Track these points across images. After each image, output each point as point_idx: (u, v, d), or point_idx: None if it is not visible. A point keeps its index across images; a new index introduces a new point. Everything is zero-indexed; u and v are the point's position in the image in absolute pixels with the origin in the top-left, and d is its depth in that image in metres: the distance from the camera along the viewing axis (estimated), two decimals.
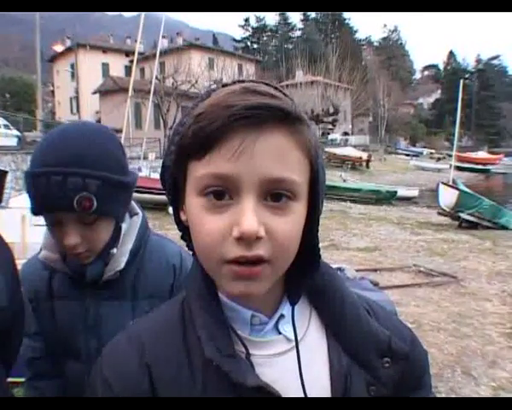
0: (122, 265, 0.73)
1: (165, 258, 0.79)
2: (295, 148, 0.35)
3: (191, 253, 0.41)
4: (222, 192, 0.34)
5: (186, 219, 0.39)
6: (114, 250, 0.74)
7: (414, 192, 14.48)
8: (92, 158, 0.65)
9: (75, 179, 0.63)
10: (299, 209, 0.36)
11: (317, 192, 0.38)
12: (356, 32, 56.94)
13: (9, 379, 0.73)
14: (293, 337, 0.40)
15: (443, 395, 2.53)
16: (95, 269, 0.72)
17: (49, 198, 0.64)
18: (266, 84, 0.36)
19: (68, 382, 0.78)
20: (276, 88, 0.37)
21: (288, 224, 0.35)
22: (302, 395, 0.38)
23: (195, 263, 0.42)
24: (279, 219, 0.35)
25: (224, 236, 0.34)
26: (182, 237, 0.42)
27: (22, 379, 0.83)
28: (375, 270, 4.86)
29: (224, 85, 0.37)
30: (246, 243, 0.33)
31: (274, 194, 0.35)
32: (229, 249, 0.34)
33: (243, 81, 0.37)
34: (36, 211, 0.67)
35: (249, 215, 0.33)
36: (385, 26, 64.82)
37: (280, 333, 0.40)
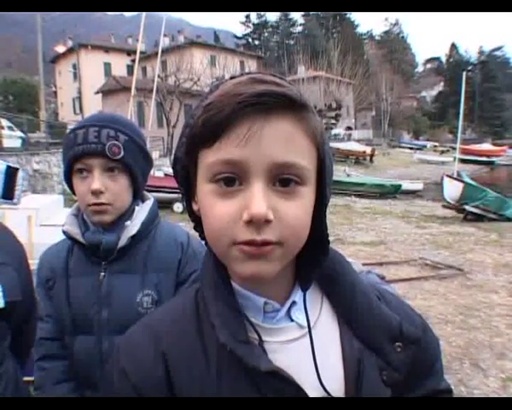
0: (134, 231, 0.81)
1: (173, 237, 0.87)
2: (302, 134, 0.36)
3: (204, 242, 0.42)
4: (232, 178, 0.35)
5: (198, 209, 0.40)
6: (128, 223, 0.83)
7: (418, 186, 14.36)
8: (122, 122, 0.82)
9: (108, 130, 0.78)
10: (307, 194, 0.37)
11: (324, 178, 0.39)
12: (357, 26, 56.35)
13: (24, 378, 0.74)
14: (305, 324, 0.40)
15: (450, 384, 2.52)
16: (110, 238, 0.80)
17: (85, 145, 0.77)
18: (272, 75, 0.38)
19: (77, 358, 0.82)
20: (281, 78, 0.38)
21: (297, 208, 0.36)
22: (315, 381, 0.39)
23: (208, 253, 0.43)
24: (288, 203, 0.35)
25: (234, 220, 0.35)
26: (194, 228, 0.43)
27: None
28: (381, 264, 4.84)
29: (232, 77, 0.38)
30: (255, 226, 0.34)
31: (282, 179, 0.35)
32: (240, 233, 0.35)
33: (250, 73, 0.38)
34: (71, 161, 0.79)
35: (258, 199, 0.34)
36: (386, 19, 64.25)
37: (292, 320, 0.41)
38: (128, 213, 0.84)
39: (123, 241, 0.81)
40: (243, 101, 0.34)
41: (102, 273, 0.81)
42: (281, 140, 0.35)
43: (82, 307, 0.81)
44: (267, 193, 0.35)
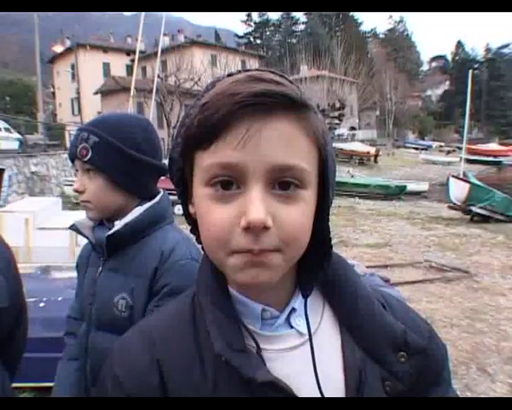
0: (111, 231, 0.83)
1: (161, 243, 0.85)
2: (303, 135, 0.35)
3: (200, 246, 0.40)
4: (229, 182, 0.34)
5: (194, 212, 0.38)
6: (117, 222, 0.85)
7: (424, 186, 14.26)
8: (107, 125, 0.84)
9: (83, 134, 0.83)
10: (308, 198, 0.35)
11: (327, 180, 0.37)
12: (361, 24, 56.03)
13: (15, 384, 0.73)
14: (305, 331, 0.39)
15: (458, 393, 2.47)
16: (98, 234, 0.86)
17: (70, 149, 0.85)
18: (272, 72, 0.36)
19: (78, 343, 0.89)
20: (281, 76, 0.36)
21: (297, 212, 0.34)
22: (315, 390, 0.37)
23: (205, 258, 0.41)
24: (288, 207, 0.34)
25: (231, 226, 0.33)
26: (191, 231, 0.42)
27: (27, 384, 0.85)
28: (386, 266, 4.81)
29: (230, 75, 0.37)
30: (253, 233, 0.33)
31: (282, 182, 0.34)
32: (237, 241, 0.33)
33: (248, 70, 0.36)
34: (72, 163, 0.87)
35: (257, 204, 0.32)
36: (390, 17, 63.65)
37: (292, 327, 0.39)
38: (123, 213, 0.85)
39: (102, 239, 0.83)
40: (241, 101, 0.32)
41: (100, 268, 0.86)
42: (280, 142, 0.33)
43: (84, 297, 0.88)
44: (266, 198, 0.33)
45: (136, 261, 0.83)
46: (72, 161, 0.86)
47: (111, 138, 0.82)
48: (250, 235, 0.33)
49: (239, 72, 0.37)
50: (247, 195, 0.33)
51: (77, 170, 0.86)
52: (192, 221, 0.40)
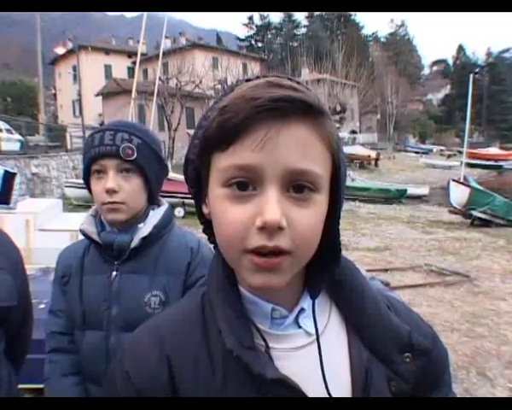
0: (146, 233, 0.84)
1: (184, 241, 0.90)
2: (318, 140, 0.36)
3: (213, 246, 0.41)
4: (245, 183, 0.35)
5: (208, 212, 0.39)
6: (141, 225, 0.87)
7: (424, 190, 14.27)
8: (137, 127, 0.87)
9: (123, 134, 0.83)
10: (320, 202, 0.36)
11: (338, 185, 0.38)
12: (362, 27, 56.06)
13: (20, 386, 0.72)
14: (313, 331, 0.39)
15: (457, 396, 2.46)
16: (122, 238, 0.84)
17: (101, 147, 0.82)
18: (289, 79, 0.37)
19: (84, 352, 0.85)
20: (298, 82, 0.37)
21: (310, 215, 0.35)
22: (322, 390, 0.37)
23: (216, 256, 0.42)
24: (301, 210, 0.35)
25: (246, 226, 0.34)
26: (204, 231, 0.43)
27: (27, 385, 0.85)
28: (386, 270, 4.81)
29: (248, 80, 0.38)
30: (268, 232, 0.34)
31: (296, 185, 0.35)
32: (251, 239, 0.34)
33: (266, 76, 0.37)
34: (89, 163, 0.85)
35: (273, 205, 0.33)
36: (392, 21, 63.80)
37: (300, 327, 0.40)
38: (142, 216, 0.87)
39: (135, 242, 0.84)
40: (260, 105, 0.33)
41: (114, 272, 0.84)
42: (297, 146, 0.34)
43: (93, 304, 0.84)
44: (281, 200, 0.34)
45: (163, 260, 0.86)
46: (96, 159, 0.82)
47: (150, 142, 0.86)
48: (265, 234, 0.34)
49: (257, 77, 0.37)
50: (263, 196, 0.34)
51: (99, 170, 0.83)
52: (205, 221, 0.41)
